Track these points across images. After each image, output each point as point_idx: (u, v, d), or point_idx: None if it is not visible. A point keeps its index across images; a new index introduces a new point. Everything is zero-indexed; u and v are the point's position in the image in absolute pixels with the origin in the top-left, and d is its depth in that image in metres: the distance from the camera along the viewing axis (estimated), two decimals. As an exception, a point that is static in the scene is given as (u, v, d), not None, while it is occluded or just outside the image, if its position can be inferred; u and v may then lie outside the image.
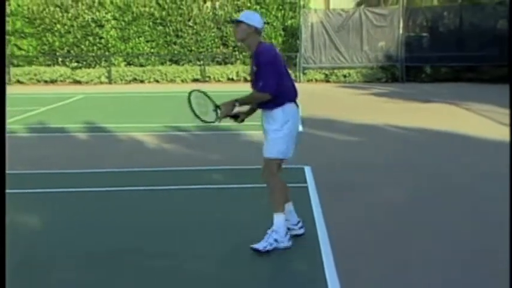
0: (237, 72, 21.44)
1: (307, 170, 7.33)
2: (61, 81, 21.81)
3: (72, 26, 22.32)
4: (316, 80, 21.26)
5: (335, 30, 21.09)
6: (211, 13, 22.27)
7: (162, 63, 22.49)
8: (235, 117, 4.79)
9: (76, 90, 19.42)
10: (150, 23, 22.30)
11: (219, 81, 21.46)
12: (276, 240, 4.59)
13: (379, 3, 24.35)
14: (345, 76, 21.02)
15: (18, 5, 22.33)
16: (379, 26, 21.05)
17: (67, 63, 22.53)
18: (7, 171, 7.72)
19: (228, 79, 21.50)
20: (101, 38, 22.37)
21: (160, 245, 4.95)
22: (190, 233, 5.26)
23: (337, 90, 18.58)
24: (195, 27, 22.23)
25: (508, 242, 4.06)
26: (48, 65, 22.43)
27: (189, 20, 22.22)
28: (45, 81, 21.74)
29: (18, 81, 21.77)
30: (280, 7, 22.19)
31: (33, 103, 15.59)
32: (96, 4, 22.35)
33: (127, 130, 11.05)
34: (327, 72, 21.31)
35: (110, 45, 22.38)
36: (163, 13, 22.24)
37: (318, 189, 6.43)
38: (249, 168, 7.18)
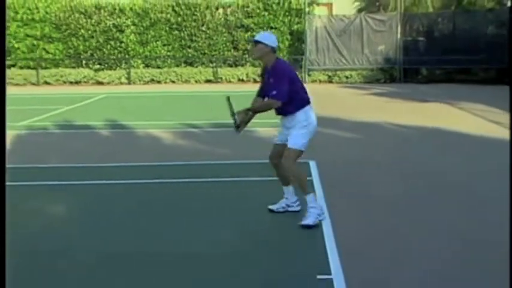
0: (247, 74, 21.37)
1: (312, 164, 7.27)
2: (85, 82, 21.80)
3: (95, 31, 22.29)
4: (320, 81, 21.14)
5: (338, 34, 20.95)
6: (223, 19, 22.18)
7: (177, 65, 22.43)
8: (238, 126, 5.13)
9: (98, 90, 19.41)
10: (167, 28, 22.24)
11: (230, 81, 21.41)
12: (319, 215, 4.95)
13: (378, 9, 24.15)
14: (347, 77, 20.89)
15: (47, 12, 22.34)
16: (378, 31, 20.90)
17: (90, 65, 22.52)
18: (43, 165, 7.82)
19: (239, 80, 21.44)
20: (121, 42, 22.34)
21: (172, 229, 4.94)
22: (199, 220, 5.24)
23: (339, 91, 18.48)
24: (208, 32, 22.15)
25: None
26: (73, 67, 22.42)
27: (202, 26, 22.14)
28: (70, 82, 21.73)
29: (46, 82, 21.78)
30: (287, 13, 22.05)
31: (59, 102, 15.60)
32: (117, 11, 22.32)
33: (145, 127, 11.03)
34: (330, 73, 21.19)
35: (129, 48, 22.35)
36: (179, 19, 22.18)
37: (322, 184, 6.37)
38: (257, 163, 7.12)
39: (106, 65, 22.54)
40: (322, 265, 4.12)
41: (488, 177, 6.84)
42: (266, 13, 21.93)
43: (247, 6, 22.00)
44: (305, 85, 5.34)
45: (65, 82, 21.74)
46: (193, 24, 22.15)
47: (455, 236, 4.82)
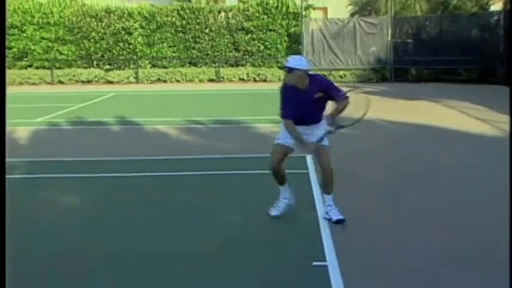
0: (247, 73, 21.31)
1: (308, 158, 7.24)
2: (95, 81, 21.75)
3: (105, 33, 22.22)
4: (316, 80, 21.05)
5: (332, 37, 20.89)
6: (224, 22, 22.11)
7: (182, 66, 22.36)
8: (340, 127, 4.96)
9: (108, 89, 19.34)
10: (172, 31, 22.17)
11: (231, 81, 21.34)
12: (338, 211, 4.86)
13: (370, 13, 24.03)
14: (341, 77, 20.80)
15: (60, 17, 22.28)
16: (370, 33, 20.83)
17: (101, 65, 22.46)
18: (57, 159, 7.79)
19: (240, 79, 21.37)
20: (129, 43, 22.27)
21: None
22: (198, 211, 5.21)
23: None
24: (210, 34, 22.08)
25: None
26: (85, 67, 22.36)
27: (205, 28, 22.07)
28: (82, 81, 21.67)
29: (60, 82, 21.73)
30: (285, 17, 21.98)
31: (72, 100, 15.55)
32: (125, 15, 22.24)
33: (152, 123, 10.99)
34: (325, 73, 21.05)
35: (137, 50, 22.28)
36: (184, 22, 22.11)
37: (317, 176, 6.34)
38: (259, 157, 7.09)
39: (115, 65, 22.47)
40: (318, 252, 4.11)
41: (476, 168, 6.85)
42: (265, 16, 21.86)
43: (248, 10, 21.95)
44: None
45: (77, 81, 21.69)
46: (197, 27, 22.08)
47: (447, 222, 4.82)
